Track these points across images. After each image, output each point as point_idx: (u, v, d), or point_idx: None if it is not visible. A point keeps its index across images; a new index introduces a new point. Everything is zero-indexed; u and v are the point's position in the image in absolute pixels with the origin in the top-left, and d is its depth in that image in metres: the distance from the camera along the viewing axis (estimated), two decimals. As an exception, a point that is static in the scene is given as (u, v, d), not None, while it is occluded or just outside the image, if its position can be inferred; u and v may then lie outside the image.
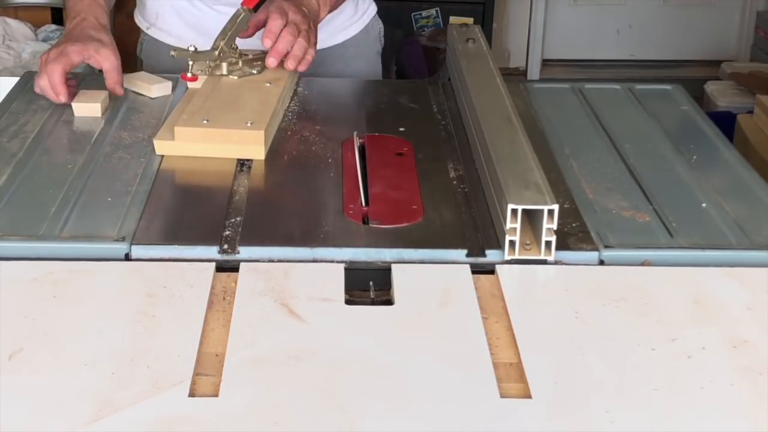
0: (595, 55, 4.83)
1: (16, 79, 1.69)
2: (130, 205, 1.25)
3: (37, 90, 1.56)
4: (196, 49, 1.58)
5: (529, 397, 0.93)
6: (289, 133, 1.50)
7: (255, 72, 1.59)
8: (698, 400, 0.93)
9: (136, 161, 1.38)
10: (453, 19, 4.15)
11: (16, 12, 3.68)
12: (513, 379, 0.96)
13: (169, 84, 1.63)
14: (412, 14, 4.36)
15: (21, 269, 1.11)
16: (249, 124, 1.41)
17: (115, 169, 1.36)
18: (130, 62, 1.92)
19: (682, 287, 1.11)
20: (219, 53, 1.57)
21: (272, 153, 1.43)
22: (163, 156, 1.39)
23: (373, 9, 1.94)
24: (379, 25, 1.97)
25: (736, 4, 4.76)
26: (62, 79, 1.53)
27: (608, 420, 0.89)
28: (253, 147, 1.39)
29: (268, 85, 1.55)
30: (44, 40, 3.53)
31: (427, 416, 0.90)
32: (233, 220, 1.23)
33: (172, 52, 1.58)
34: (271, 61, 1.56)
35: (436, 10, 4.37)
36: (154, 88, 1.61)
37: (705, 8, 4.78)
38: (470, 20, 4.19)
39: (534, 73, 4.80)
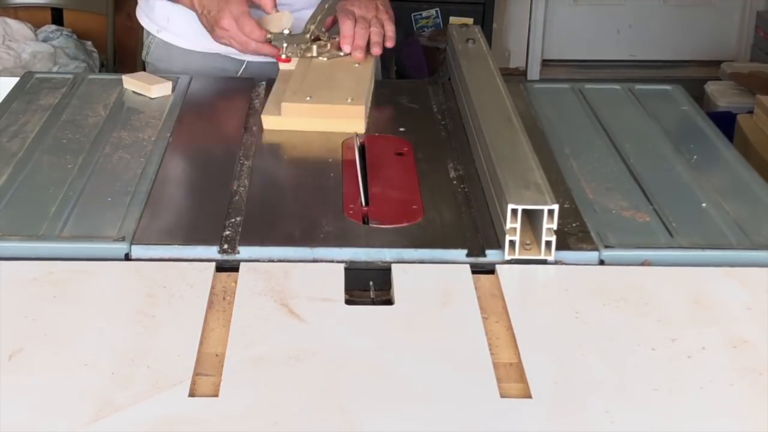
0: (595, 55, 4.83)
1: (16, 79, 1.69)
2: (130, 205, 1.25)
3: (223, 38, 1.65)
4: (290, 32, 1.66)
5: (529, 397, 0.93)
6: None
7: (342, 54, 1.67)
8: (698, 400, 0.93)
9: (136, 161, 1.38)
10: (453, 19, 4.15)
11: (16, 12, 3.68)
12: (513, 379, 0.96)
13: (168, 84, 1.63)
14: (412, 14, 4.36)
15: (21, 269, 1.11)
16: (349, 100, 1.49)
17: (115, 169, 1.36)
18: (130, 62, 1.92)
19: (682, 287, 1.11)
20: (310, 36, 1.67)
21: (272, 153, 1.43)
22: (163, 156, 1.39)
23: None
24: None
25: (736, 4, 4.76)
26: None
27: (608, 420, 0.89)
28: (355, 120, 1.48)
29: (357, 65, 1.64)
30: (44, 40, 3.53)
31: (427, 416, 0.90)
32: (233, 220, 1.22)
33: (269, 35, 1.65)
34: (357, 54, 1.65)
35: (436, 11, 4.37)
36: (153, 88, 1.61)
37: (705, 8, 4.79)
38: (470, 20, 4.19)
39: (534, 73, 4.80)
